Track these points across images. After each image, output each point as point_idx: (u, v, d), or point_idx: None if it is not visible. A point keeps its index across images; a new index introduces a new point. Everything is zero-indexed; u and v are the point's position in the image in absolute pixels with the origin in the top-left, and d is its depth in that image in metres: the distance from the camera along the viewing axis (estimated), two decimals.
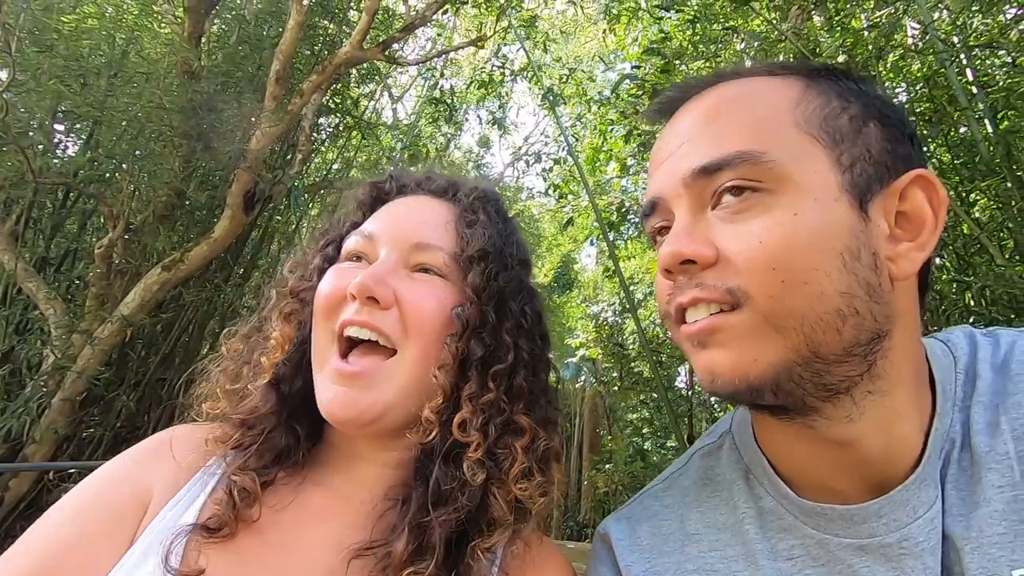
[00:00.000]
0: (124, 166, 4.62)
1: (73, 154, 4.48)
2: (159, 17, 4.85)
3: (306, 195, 5.77)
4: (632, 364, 9.21)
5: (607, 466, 10.38)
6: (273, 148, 5.09)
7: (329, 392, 0.59)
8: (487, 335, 0.62)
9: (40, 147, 3.97)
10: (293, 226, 6.63)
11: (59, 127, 4.38)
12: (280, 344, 0.63)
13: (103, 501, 0.58)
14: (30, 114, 3.86)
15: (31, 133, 3.90)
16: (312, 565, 0.57)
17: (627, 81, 4.61)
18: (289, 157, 5.64)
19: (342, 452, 0.64)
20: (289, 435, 0.62)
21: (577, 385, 11.95)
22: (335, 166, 7.36)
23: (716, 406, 9.02)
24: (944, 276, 2.67)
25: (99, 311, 4.21)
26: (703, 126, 0.55)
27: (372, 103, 8.11)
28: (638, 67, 4.75)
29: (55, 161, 4.04)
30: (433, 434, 0.59)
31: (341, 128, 6.72)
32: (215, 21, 5.30)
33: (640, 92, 4.41)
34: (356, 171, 7.43)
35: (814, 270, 0.47)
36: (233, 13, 5.43)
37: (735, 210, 0.51)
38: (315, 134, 5.95)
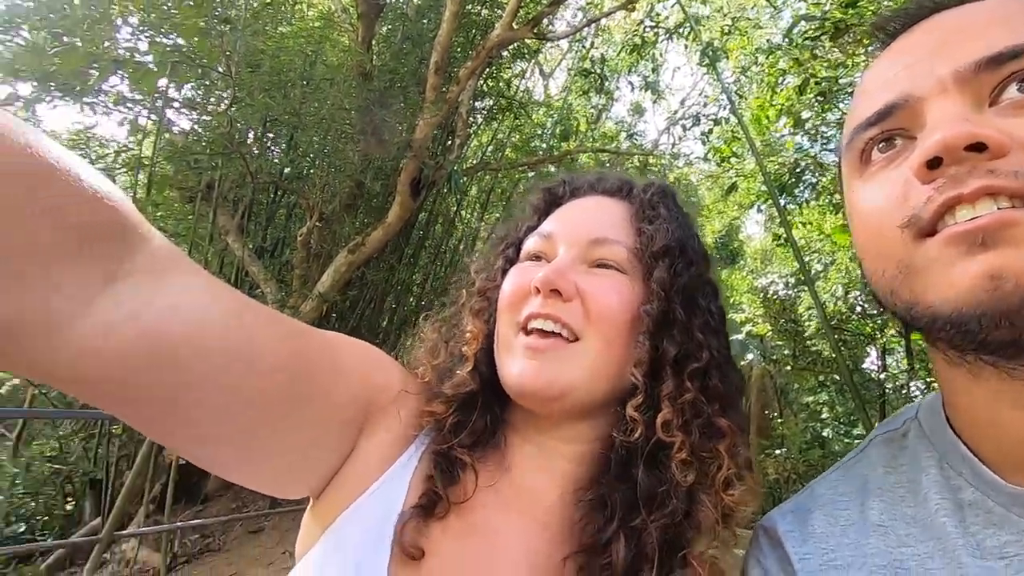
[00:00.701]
0: (317, 163, 5.33)
1: (279, 156, 5.29)
2: (338, 27, 5.45)
3: (464, 178, 6.11)
4: (808, 342, 8.29)
5: (778, 452, 9.57)
6: (434, 135, 5.47)
7: (518, 365, 0.60)
8: (678, 333, 0.61)
9: (255, 152, 4.74)
10: (454, 208, 7.08)
11: (268, 134, 5.20)
12: (475, 337, 0.67)
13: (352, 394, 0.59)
14: (247, 125, 4.61)
15: (248, 141, 4.68)
16: (515, 557, 0.59)
17: (803, 22, 4.06)
18: (449, 143, 6.01)
19: (527, 439, 0.65)
20: (489, 417, 0.65)
21: (743, 363, 11.16)
22: (489, 148, 7.66)
23: (918, 393, 7.74)
24: None
25: (302, 289, 4.97)
26: (977, 23, 0.48)
27: (523, 81, 8.25)
28: (817, 3, 4.16)
29: (266, 163, 4.81)
30: (638, 433, 0.58)
31: (495, 110, 6.96)
32: (383, 24, 5.80)
33: (820, 33, 3.85)
34: (509, 151, 7.67)
35: None
36: (397, 11, 5.88)
37: None
38: (471, 118, 6.24)
